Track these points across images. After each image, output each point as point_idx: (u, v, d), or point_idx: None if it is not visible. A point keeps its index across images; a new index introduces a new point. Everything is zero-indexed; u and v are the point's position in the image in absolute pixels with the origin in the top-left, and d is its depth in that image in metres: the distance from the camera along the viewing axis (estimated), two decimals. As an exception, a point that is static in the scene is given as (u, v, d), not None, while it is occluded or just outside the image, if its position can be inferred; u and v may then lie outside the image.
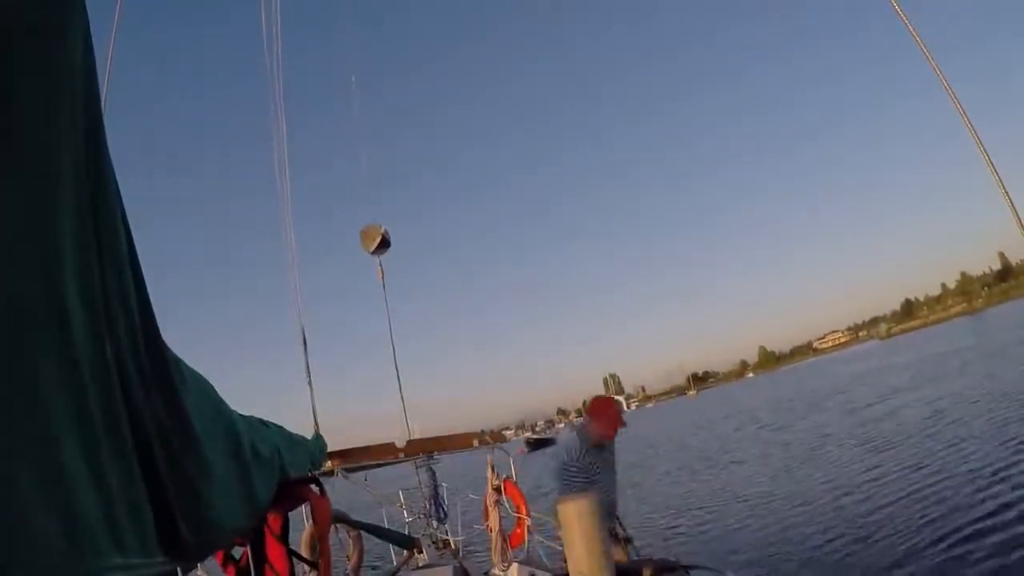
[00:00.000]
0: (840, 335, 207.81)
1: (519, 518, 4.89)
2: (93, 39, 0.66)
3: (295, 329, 4.56)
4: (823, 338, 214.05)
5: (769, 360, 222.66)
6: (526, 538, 4.85)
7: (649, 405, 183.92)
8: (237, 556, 2.01)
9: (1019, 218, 1.70)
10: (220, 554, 1.98)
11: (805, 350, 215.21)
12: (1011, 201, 1.74)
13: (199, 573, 2.73)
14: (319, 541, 2.25)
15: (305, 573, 2.54)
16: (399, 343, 6.27)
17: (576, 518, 2.61)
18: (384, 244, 5.59)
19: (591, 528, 2.60)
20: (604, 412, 4.18)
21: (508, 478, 5.06)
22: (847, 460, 11.57)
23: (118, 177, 0.79)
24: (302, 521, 3.09)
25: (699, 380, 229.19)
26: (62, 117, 0.60)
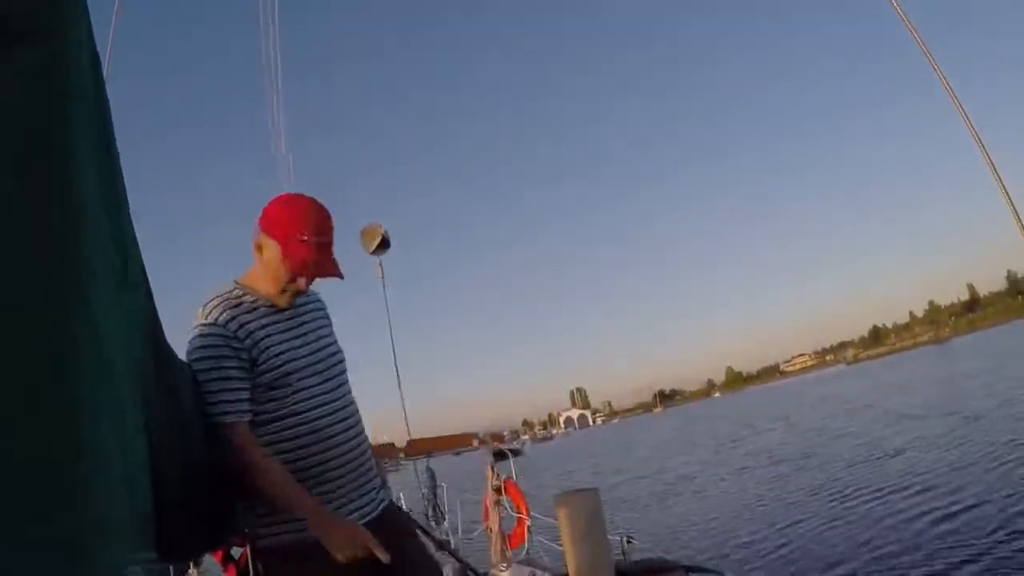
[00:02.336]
0: (807, 359, 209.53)
1: (519, 518, 4.89)
2: (93, 32, 0.66)
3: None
4: (790, 361, 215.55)
5: (736, 380, 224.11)
6: (526, 538, 4.85)
7: (615, 421, 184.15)
8: (236, 556, 2.00)
9: (1019, 219, 1.70)
10: (219, 554, 1.98)
11: (772, 372, 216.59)
12: (1012, 203, 1.74)
13: (198, 572, 2.73)
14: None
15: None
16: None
17: (576, 518, 2.60)
18: (384, 244, 5.58)
19: (591, 527, 2.60)
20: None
21: (508, 478, 5.07)
22: (844, 464, 11.59)
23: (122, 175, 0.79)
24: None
25: (666, 398, 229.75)
26: (66, 114, 0.60)
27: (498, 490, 4.91)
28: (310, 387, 1.61)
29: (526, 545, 4.86)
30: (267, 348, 1.56)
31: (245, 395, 1.50)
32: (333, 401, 1.64)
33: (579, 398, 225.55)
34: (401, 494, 5.74)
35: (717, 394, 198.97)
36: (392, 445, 4.46)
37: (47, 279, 0.55)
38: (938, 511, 7.04)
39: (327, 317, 1.80)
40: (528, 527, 4.84)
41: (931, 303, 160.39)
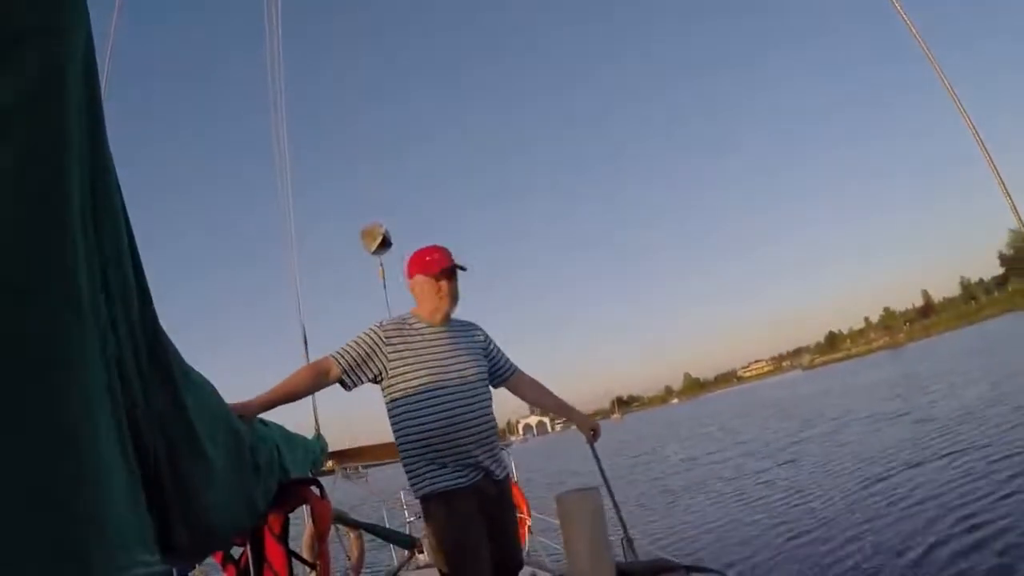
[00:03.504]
0: (764, 364, 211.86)
1: (519, 518, 4.88)
2: (93, 32, 0.66)
3: (296, 330, 4.57)
4: (748, 367, 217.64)
5: (694, 386, 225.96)
6: (526, 538, 4.84)
7: (573, 428, 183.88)
8: (236, 556, 2.00)
9: (1019, 216, 1.70)
10: (219, 554, 1.98)
11: (729, 377, 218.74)
12: (1011, 199, 1.73)
13: (198, 573, 2.72)
14: (318, 542, 2.24)
15: (305, 573, 2.53)
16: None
17: (576, 517, 2.60)
18: (385, 244, 5.59)
19: (592, 527, 2.60)
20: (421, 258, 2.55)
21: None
22: (844, 464, 11.58)
23: (118, 174, 0.79)
24: (302, 521, 3.08)
25: (624, 404, 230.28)
26: (64, 115, 0.60)
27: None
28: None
29: (526, 545, 4.85)
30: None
31: (353, 361, 2.36)
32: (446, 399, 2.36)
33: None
34: (401, 493, 5.74)
35: (675, 400, 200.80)
36: (393, 444, 4.45)
37: (43, 283, 0.54)
38: (942, 511, 7.04)
39: (477, 343, 2.56)
40: (528, 527, 4.84)
41: (886, 309, 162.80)
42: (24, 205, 0.53)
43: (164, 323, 1.03)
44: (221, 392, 1.51)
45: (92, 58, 0.67)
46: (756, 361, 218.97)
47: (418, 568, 4.32)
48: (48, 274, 0.56)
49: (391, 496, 5.62)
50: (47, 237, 0.56)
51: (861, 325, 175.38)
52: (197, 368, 1.36)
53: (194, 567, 1.81)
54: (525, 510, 4.88)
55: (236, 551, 2.01)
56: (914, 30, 1.84)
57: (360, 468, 4.72)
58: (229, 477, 1.41)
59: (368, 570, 5.68)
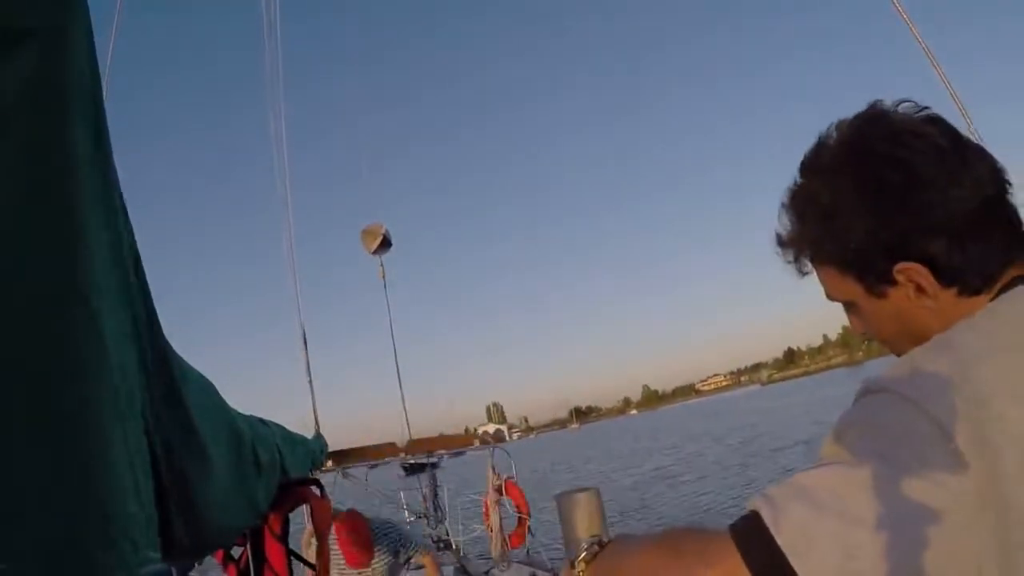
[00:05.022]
0: (722, 378, 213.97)
1: (520, 517, 4.88)
2: (94, 32, 0.66)
3: (295, 329, 4.57)
4: (706, 380, 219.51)
5: (652, 398, 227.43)
6: (527, 538, 4.84)
7: (531, 436, 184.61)
8: (236, 556, 2.00)
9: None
10: (220, 554, 1.98)
11: (687, 391, 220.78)
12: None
13: (196, 573, 2.72)
14: (319, 542, 2.25)
15: (305, 573, 2.54)
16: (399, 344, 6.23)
17: (576, 516, 2.61)
18: (385, 244, 5.59)
19: (592, 527, 2.60)
20: None
21: (510, 478, 5.07)
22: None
23: (120, 174, 0.79)
24: (303, 521, 3.09)
25: (582, 414, 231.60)
26: (66, 115, 0.60)
27: (499, 490, 4.91)
28: None
29: (527, 545, 4.85)
30: None
31: None
32: None
33: (495, 413, 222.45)
34: (402, 493, 5.75)
35: (633, 411, 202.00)
36: (393, 444, 4.46)
37: (50, 282, 0.55)
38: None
39: None
40: (529, 527, 4.84)
41: (845, 326, 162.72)
42: (29, 207, 0.53)
43: (162, 322, 1.03)
44: (221, 392, 1.51)
45: (93, 57, 0.67)
46: (715, 375, 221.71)
47: (419, 568, 4.33)
48: (58, 276, 0.56)
49: (391, 496, 5.62)
50: (55, 239, 0.56)
51: (820, 342, 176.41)
52: (196, 367, 1.36)
53: (194, 566, 1.81)
54: (525, 510, 4.88)
55: (236, 551, 2.01)
56: (915, 30, 1.84)
57: (360, 468, 4.73)
58: (230, 476, 1.41)
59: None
